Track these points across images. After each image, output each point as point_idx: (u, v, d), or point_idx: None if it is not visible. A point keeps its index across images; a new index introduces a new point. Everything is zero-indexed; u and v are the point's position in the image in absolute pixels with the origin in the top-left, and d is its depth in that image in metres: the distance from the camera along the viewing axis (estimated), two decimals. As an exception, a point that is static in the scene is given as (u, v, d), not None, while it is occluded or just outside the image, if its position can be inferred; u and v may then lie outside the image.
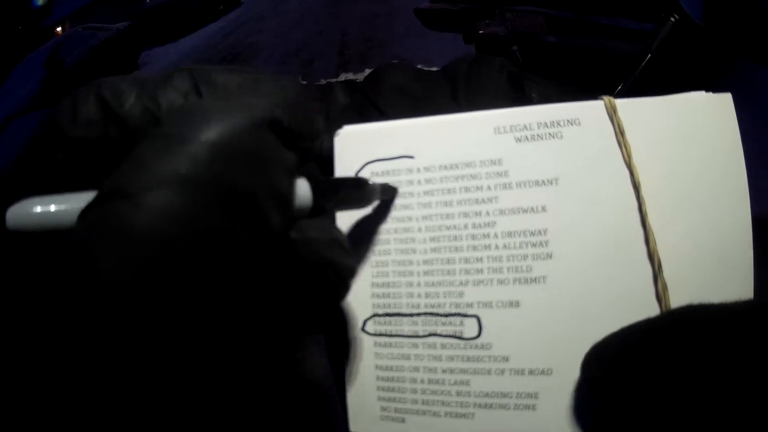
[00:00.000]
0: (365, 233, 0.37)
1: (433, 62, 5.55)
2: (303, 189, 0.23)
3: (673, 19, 0.61)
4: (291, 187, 0.21)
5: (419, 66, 0.56)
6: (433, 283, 0.35)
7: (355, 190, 0.28)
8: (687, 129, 0.34)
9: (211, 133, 0.18)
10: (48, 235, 0.19)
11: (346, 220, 0.37)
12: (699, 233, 0.32)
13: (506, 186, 0.34)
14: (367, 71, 0.68)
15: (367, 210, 0.36)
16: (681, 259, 0.32)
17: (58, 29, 12.59)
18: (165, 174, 0.17)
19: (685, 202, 0.32)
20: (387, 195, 0.35)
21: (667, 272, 0.32)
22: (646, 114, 0.34)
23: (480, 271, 0.34)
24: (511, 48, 3.92)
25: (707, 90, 0.35)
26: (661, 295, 0.31)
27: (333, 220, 0.36)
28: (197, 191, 0.17)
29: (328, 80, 0.63)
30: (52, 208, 0.19)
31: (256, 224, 0.19)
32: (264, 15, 12.05)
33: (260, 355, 0.20)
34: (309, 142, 0.22)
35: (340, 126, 0.39)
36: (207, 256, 0.17)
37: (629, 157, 0.33)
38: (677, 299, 0.31)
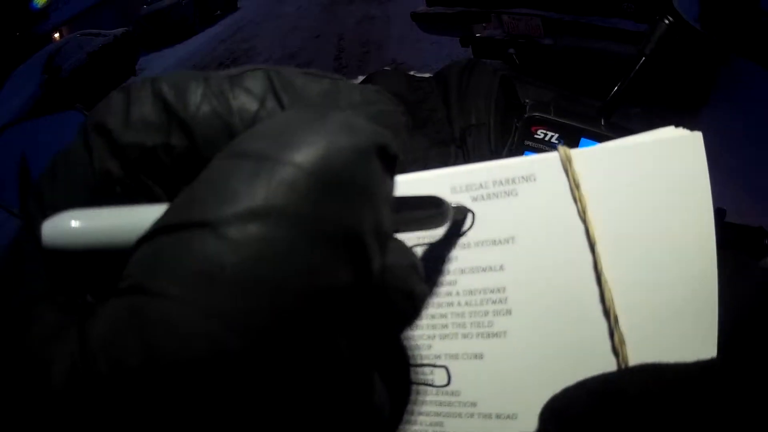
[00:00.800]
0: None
1: (430, 66, 5.57)
2: None
3: (667, 21, 0.61)
4: (391, 222, 0.17)
5: (413, 72, 0.55)
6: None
7: (432, 209, 0.27)
8: (650, 176, 0.32)
9: (312, 156, 0.15)
10: (92, 256, 0.16)
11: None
12: (660, 285, 0.31)
13: (465, 246, 0.35)
14: (361, 78, 0.69)
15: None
16: (640, 312, 0.32)
17: (56, 35, 12.62)
18: (258, 204, 0.14)
19: (646, 254, 0.32)
20: (459, 215, 0.34)
21: (626, 325, 0.32)
22: (604, 163, 0.32)
23: (445, 326, 0.35)
24: (508, 51, 3.94)
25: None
26: (618, 349, 0.31)
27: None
28: (297, 227, 0.15)
29: None
30: (99, 223, 0.16)
31: (360, 267, 0.16)
32: (260, 19, 12.10)
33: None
34: None
35: None
36: (312, 305, 0.15)
37: (584, 211, 0.32)
38: (636, 353, 0.31)
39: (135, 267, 0.15)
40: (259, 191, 0.14)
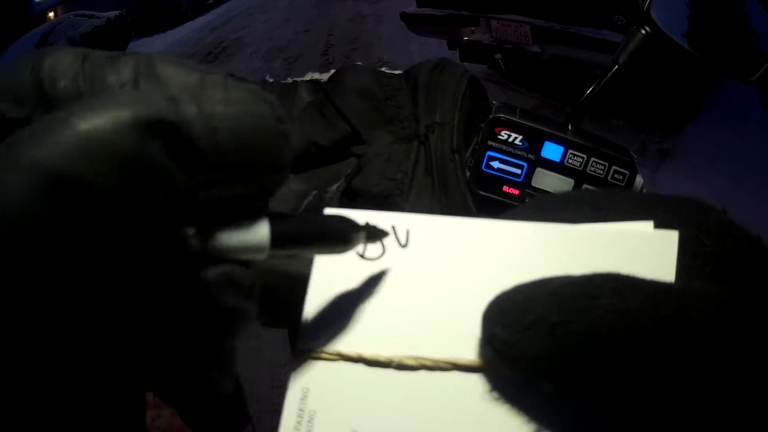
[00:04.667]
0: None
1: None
2: (257, 226, 0.19)
3: (643, 32, 0.58)
4: (162, 215, 0.17)
5: (384, 68, 0.56)
6: None
7: (329, 228, 0.25)
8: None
9: (84, 124, 0.16)
10: None
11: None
12: None
13: None
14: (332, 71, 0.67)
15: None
16: None
17: (50, 14, 12.53)
18: (22, 158, 0.16)
19: None
20: (374, 238, 0.29)
21: None
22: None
23: None
24: (495, 56, 3.91)
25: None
26: None
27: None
28: (46, 184, 0.15)
29: (294, 79, 0.61)
30: None
31: (94, 230, 0.16)
32: (252, 11, 12.03)
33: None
34: (260, 174, 0.19)
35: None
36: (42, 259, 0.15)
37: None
38: None
39: None
40: (30, 148, 0.16)
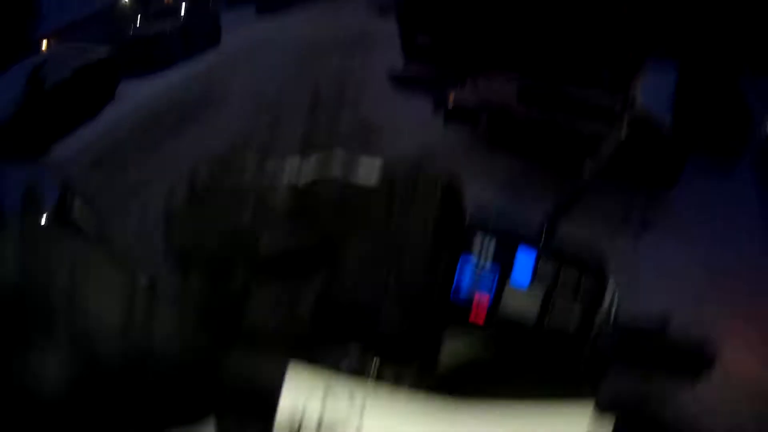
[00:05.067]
0: None
1: (402, 129, 5.54)
2: None
3: (625, 130, 0.62)
4: None
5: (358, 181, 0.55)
6: None
7: None
8: None
9: None
10: None
11: None
12: None
13: None
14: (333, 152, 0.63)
15: None
16: None
17: (44, 43, 12.58)
18: None
19: None
20: None
21: None
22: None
23: None
24: (480, 118, 3.95)
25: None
26: None
27: None
28: None
29: (273, 172, 0.59)
30: None
31: None
32: (238, 61, 12.10)
33: None
34: None
35: None
36: None
37: None
38: None
39: None
40: None
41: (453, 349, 0.53)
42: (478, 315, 0.55)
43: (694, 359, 0.59)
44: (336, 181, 0.56)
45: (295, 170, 0.58)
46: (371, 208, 0.55)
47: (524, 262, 0.57)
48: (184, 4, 14.64)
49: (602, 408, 0.47)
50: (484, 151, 4.58)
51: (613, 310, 0.57)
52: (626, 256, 2.42)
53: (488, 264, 0.56)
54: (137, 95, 10.05)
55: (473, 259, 0.57)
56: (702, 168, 3.26)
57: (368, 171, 0.57)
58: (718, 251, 2.71)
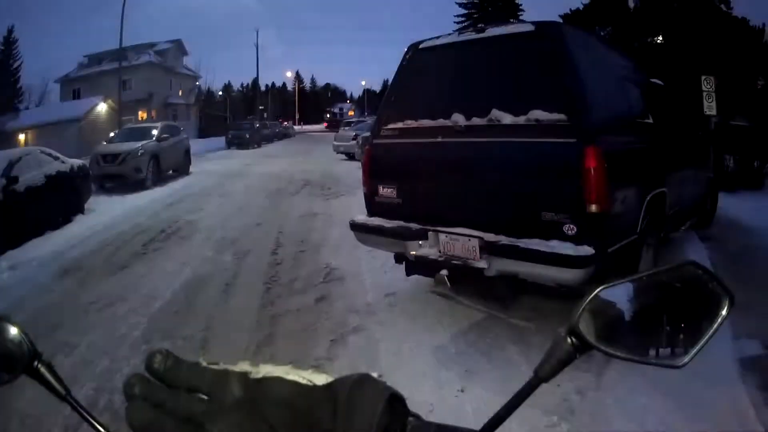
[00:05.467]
0: None
1: (363, 276, 5.57)
2: None
3: (569, 342, 0.63)
4: None
5: (301, 378, 0.58)
6: None
7: None
8: None
9: None
10: None
11: None
12: None
13: None
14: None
15: None
16: None
17: (21, 137, 12.70)
18: None
19: None
20: None
21: None
22: None
23: None
24: (441, 272, 3.93)
25: None
26: None
27: None
28: None
29: (226, 367, 0.61)
30: None
31: None
32: (209, 192, 12.46)
33: None
34: None
35: None
36: None
37: None
38: None
39: None
40: None
41: None
42: None
43: None
44: (287, 380, 0.59)
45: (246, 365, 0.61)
46: (315, 409, 0.58)
47: None
48: (159, 126, 15.35)
49: None
50: (445, 301, 4.56)
51: None
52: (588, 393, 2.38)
53: None
54: (107, 214, 10.17)
55: None
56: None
57: (316, 379, 0.60)
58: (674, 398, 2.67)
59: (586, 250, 3.26)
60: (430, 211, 4.03)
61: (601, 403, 3.05)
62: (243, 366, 0.60)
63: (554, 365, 0.62)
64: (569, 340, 0.62)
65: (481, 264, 3.62)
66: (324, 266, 6.11)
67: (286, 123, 53.03)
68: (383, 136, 4.51)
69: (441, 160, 4.04)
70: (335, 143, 21.39)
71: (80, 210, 10.11)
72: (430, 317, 4.38)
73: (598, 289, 0.63)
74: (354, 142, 19.06)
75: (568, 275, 3.30)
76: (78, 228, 9.08)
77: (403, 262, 4.26)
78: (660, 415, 2.89)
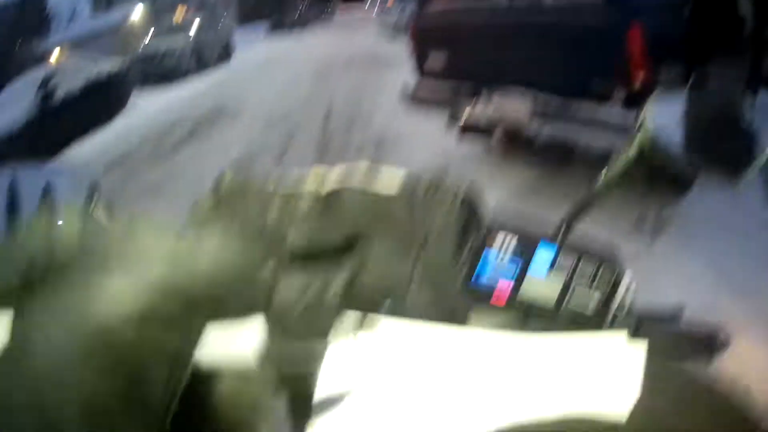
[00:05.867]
0: None
1: (417, 143, 5.53)
2: None
3: (633, 153, 0.68)
4: None
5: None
6: None
7: None
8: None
9: None
10: None
11: None
12: None
13: None
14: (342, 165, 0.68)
15: None
16: None
17: (54, 54, 12.64)
18: None
19: None
20: None
21: None
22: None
23: None
24: (493, 133, 3.96)
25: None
26: None
27: None
28: None
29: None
30: None
31: None
32: (251, 77, 12.22)
33: None
34: None
35: None
36: None
37: None
38: None
39: None
40: None
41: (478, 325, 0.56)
42: (500, 298, 0.59)
43: (707, 342, 0.62)
44: (357, 189, 0.61)
45: (319, 179, 0.63)
46: (392, 213, 0.59)
47: (544, 255, 0.60)
48: (197, 21, 15.07)
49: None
50: (497, 164, 4.59)
51: (630, 298, 0.59)
52: (641, 256, 2.47)
53: (509, 257, 0.60)
54: (149, 107, 10.27)
55: (495, 253, 0.60)
56: (711, 181, 3.28)
57: (389, 181, 0.62)
58: (726, 256, 2.74)
59: (630, 120, 3.20)
60: (482, 74, 4.00)
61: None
62: (313, 185, 0.62)
63: (616, 176, 0.69)
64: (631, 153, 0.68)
65: (532, 126, 3.63)
66: (376, 136, 6.13)
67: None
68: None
69: (492, 24, 3.95)
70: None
71: (123, 106, 10.09)
72: (481, 180, 4.33)
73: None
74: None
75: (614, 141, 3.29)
76: (121, 123, 9.22)
77: (456, 124, 4.27)
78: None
